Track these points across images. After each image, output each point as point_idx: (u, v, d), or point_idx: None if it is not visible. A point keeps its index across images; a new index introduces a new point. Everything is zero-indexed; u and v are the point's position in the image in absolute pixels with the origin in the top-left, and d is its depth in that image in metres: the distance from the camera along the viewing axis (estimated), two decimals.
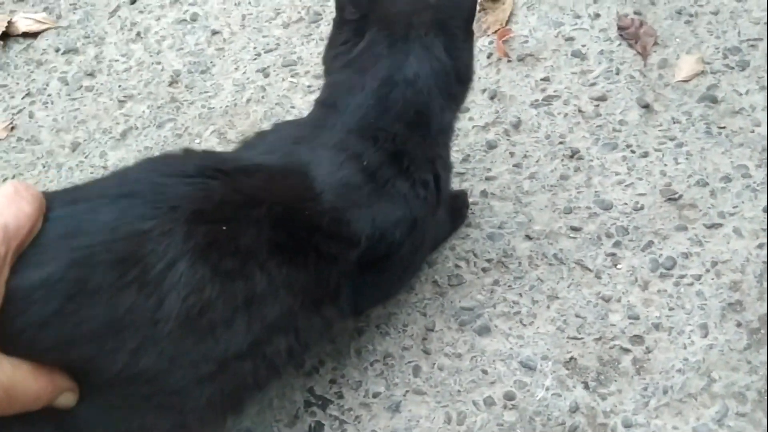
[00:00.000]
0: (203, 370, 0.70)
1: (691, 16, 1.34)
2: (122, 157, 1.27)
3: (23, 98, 1.37)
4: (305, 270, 0.76)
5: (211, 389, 0.72)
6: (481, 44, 1.36)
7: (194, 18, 1.47)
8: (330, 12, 1.44)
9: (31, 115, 1.34)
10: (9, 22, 1.46)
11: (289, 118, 1.30)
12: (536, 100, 1.27)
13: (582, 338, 1.02)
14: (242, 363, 0.73)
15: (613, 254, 1.09)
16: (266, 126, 1.29)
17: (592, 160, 1.19)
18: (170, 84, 1.37)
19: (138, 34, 1.45)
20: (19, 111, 1.35)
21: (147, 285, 0.64)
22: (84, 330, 0.63)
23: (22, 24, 1.47)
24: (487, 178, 1.19)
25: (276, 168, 0.81)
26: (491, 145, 1.23)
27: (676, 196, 1.12)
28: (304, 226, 0.76)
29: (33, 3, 1.52)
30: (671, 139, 1.19)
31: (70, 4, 1.51)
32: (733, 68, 1.26)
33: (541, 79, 1.30)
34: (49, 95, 1.37)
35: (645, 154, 1.18)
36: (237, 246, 0.70)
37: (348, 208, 0.80)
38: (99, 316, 0.63)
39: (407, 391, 1.00)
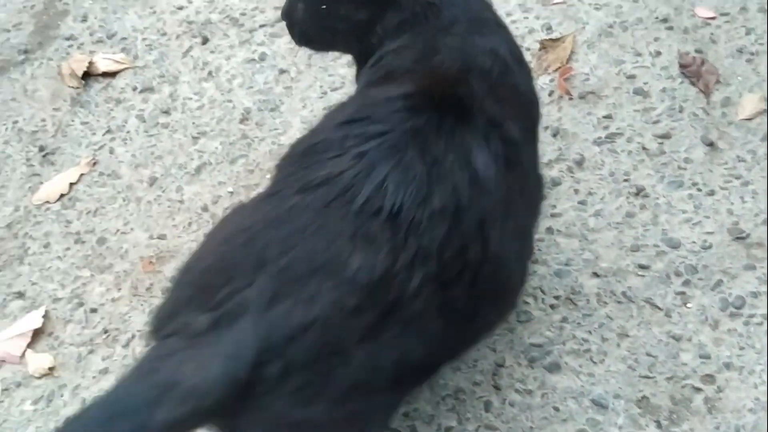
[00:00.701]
0: None
1: (752, 54, 1.35)
2: (197, 191, 1.33)
3: (104, 135, 1.44)
4: None
5: None
6: (543, 82, 1.39)
7: (262, 58, 1.53)
8: None
9: (111, 151, 1.41)
10: (90, 63, 1.54)
11: None
12: (599, 138, 1.30)
13: (654, 377, 1.03)
14: None
15: (683, 293, 1.10)
16: None
17: (658, 198, 1.20)
18: (241, 121, 1.43)
19: (210, 73, 1.52)
20: (100, 147, 1.42)
21: None
22: None
23: (102, 64, 1.55)
24: (552, 215, 1.21)
25: None
26: (555, 182, 1.25)
27: (744, 235, 1.13)
28: None
29: (111, 44, 1.60)
30: (737, 178, 1.20)
31: (146, 45, 1.59)
32: None
33: (604, 117, 1.32)
34: (127, 132, 1.44)
35: (711, 193, 1.19)
36: None
37: None
38: None
39: (479, 426, 1.02)
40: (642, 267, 1.13)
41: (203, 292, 0.70)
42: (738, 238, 1.13)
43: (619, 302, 1.10)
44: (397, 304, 0.70)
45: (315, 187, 0.72)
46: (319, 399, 0.70)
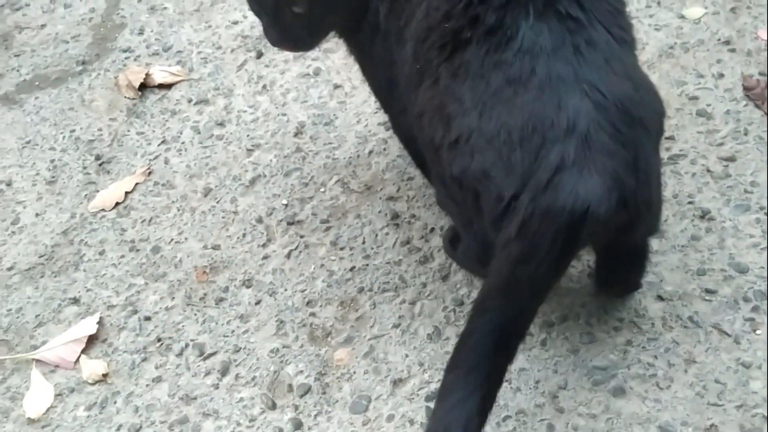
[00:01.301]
0: None
1: None
2: (252, 203, 1.33)
3: (159, 145, 1.45)
4: None
5: None
6: None
7: (317, 72, 1.54)
8: None
9: (166, 161, 1.42)
10: (147, 74, 1.56)
11: (411, 169, 1.33)
12: (662, 159, 1.27)
13: (722, 405, 0.99)
14: None
15: (752, 319, 1.06)
16: (388, 177, 1.33)
17: (724, 222, 1.17)
18: (295, 135, 1.43)
19: (264, 86, 1.53)
20: (156, 157, 1.43)
21: None
22: None
23: (158, 76, 1.57)
24: None
25: None
26: None
27: None
28: None
29: (167, 57, 1.62)
30: None
31: (201, 58, 1.61)
32: None
33: (666, 138, 1.29)
34: (182, 143, 1.45)
35: None
36: None
37: None
38: None
39: None
40: (709, 291, 1.09)
41: None
42: None
43: (685, 327, 1.06)
44: None
45: None
46: None
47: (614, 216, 0.80)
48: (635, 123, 0.82)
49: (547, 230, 0.79)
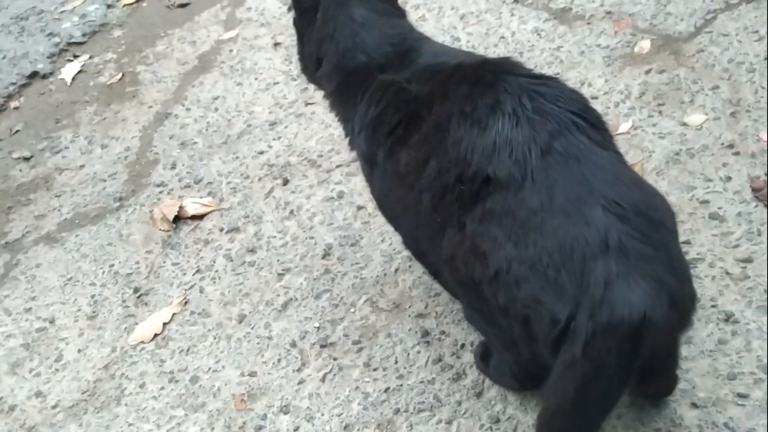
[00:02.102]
0: None
1: None
2: (285, 327, 1.37)
3: (194, 275, 1.52)
4: None
5: None
6: None
7: (340, 195, 1.62)
8: None
9: (201, 290, 1.48)
10: (180, 207, 1.65)
11: (437, 286, 1.38)
12: None
13: None
14: None
15: None
16: (415, 294, 1.37)
17: (748, 324, 1.19)
18: (323, 257, 1.49)
19: (291, 212, 1.61)
20: (191, 287, 1.49)
21: None
22: None
23: (191, 208, 1.65)
24: None
25: None
26: None
27: None
28: None
29: (199, 188, 1.72)
30: None
31: (231, 188, 1.70)
32: None
33: (683, 243, 1.33)
34: (216, 271, 1.51)
35: None
36: None
37: None
38: None
39: None
40: (741, 396, 1.10)
41: None
42: None
43: None
44: None
45: None
46: None
47: (668, 317, 0.83)
48: (658, 225, 0.88)
49: (612, 345, 0.82)
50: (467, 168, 0.92)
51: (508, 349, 1.04)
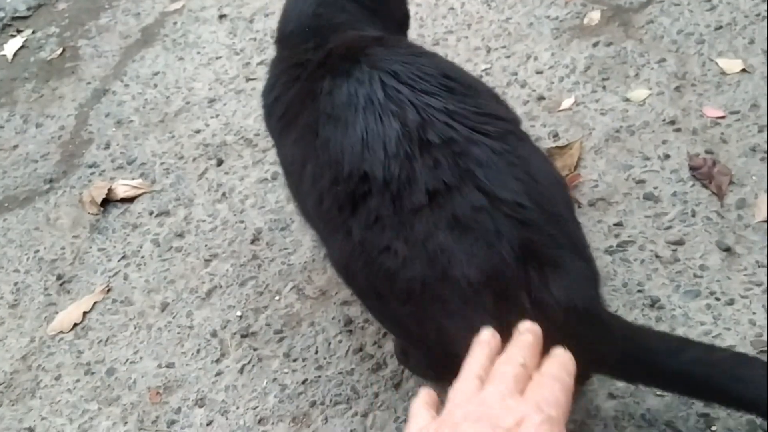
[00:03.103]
0: None
1: (766, 152, 1.32)
2: (207, 316, 1.33)
3: (119, 261, 1.47)
4: None
5: None
6: None
7: (275, 177, 1.56)
8: None
9: (125, 277, 1.43)
10: (109, 189, 1.59)
11: None
12: (610, 247, 1.26)
13: None
14: None
15: (706, 414, 1.03)
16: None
17: (674, 309, 1.15)
18: (252, 242, 1.44)
19: (223, 194, 1.56)
20: (115, 273, 1.45)
21: None
22: None
23: (121, 190, 1.60)
24: None
25: None
26: None
27: None
28: None
29: (131, 170, 1.66)
30: (757, 285, 1.14)
31: (164, 169, 1.64)
32: None
33: (614, 225, 1.29)
34: (142, 257, 1.47)
35: (731, 302, 1.14)
36: None
37: None
38: None
39: None
40: None
41: None
42: (762, 351, 1.06)
43: (638, 426, 1.04)
44: None
45: None
46: None
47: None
48: (559, 219, 0.84)
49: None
50: (341, 169, 0.86)
51: (421, 348, 1.00)
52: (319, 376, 1.20)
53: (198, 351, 1.28)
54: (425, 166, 0.81)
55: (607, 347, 0.84)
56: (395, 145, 0.82)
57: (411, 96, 0.84)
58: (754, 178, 1.29)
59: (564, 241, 0.83)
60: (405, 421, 1.11)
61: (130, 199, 1.59)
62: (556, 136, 1.46)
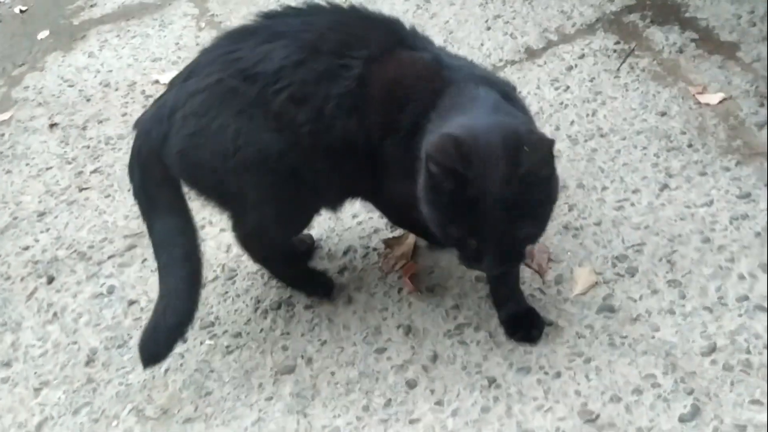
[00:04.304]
0: None
1: (577, 229, 1.45)
2: None
3: None
4: None
5: None
6: (391, 281, 1.42)
7: (111, 290, 1.50)
8: (244, 267, 1.49)
9: None
10: None
11: (209, 383, 1.29)
12: (449, 330, 1.31)
13: None
14: None
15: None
16: (185, 396, 1.28)
17: (509, 387, 1.20)
18: (87, 364, 1.36)
19: (55, 314, 1.47)
20: None
21: None
22: None
23: None
24: (411, 421, 1.19)
25: None
26: (411, 384, 1.24)
27: (594, 416, 1.13)
28: None
29: None
30: (579, 356, 1.22)
31: None
32: (623, 275, 1.34)
33: (452, 308, 1.35)
34: None
35: (558, 375, 1.21)
36: None
37: None
38: None
39: None
40: None
41: None
42: (588, 420, 1.13)
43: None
44: None
45: None
46: None
47: None
48: None
49: None
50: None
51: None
52: None
53: None
54: None
55: None
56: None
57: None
58: (568, 253, 1.40)
59: None
60: None
61: None
62: (392, 226, 1.52)
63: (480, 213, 1.01)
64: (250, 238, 1.31)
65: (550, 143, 1.02)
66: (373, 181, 1.20)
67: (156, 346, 1.22)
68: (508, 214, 1.01)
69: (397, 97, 1.13)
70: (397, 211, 1.32)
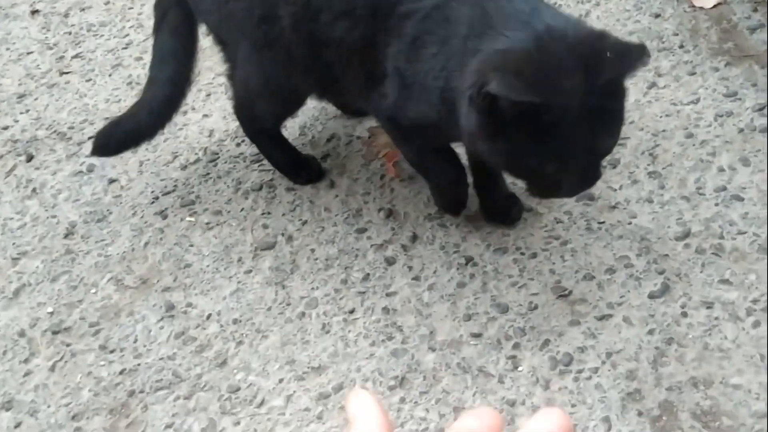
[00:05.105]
0: None
1: None
2: (14, 316, 1.24)
3: None
4: None
5: None
6: (374, 167, 1.42)
7: (90, 169, 1.49)
8: (227, 150, 1.48)
9: None
10: None
11: (189, 257, 1.30)
12: (430, 214, 1.32)
13: None
14: None
15: (513, 356, 1.10)
16: (164, 267, 1.29)
17: (485, 266, 1.22)
18: (66, 236, 1.36)
19: (34, 190, 1.46)
20: None
21: None
22: None
23: None
24: (388, 294, 1.20)
25: None
26: (390, 261, 1.25)
27: (567, 292, 1.15)
28: None
29: None
30: (556, 239, 1.24)
31: None
32: (604, 166, 1.33)
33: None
34: None
35: (534, 255, 1.22)
36: None
37: None
38: None
39: None
40: (475, 335, 1.13)
41: None
42: (561, 296, 1.15)
43: (454, 374, 1.08)
44: None
45: None
46: None
47: None
48: None
49: None
50: None
51: None
52: (138, 365, 1.15)
53: (4, 353, 1.18)
54: None
55: None
56: None
57: None
58: None
59: None
60: (228, 398, 1.09)
61: None
62: None
63: (560, 135, 0.90)
64: (239, 108, 1.33)
65: (642, 48, 0.92)
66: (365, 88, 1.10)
67: (108, 139, 1.33)
68: (591, 129, 0.91)
69: None
70: (401, 133, 1.19)
